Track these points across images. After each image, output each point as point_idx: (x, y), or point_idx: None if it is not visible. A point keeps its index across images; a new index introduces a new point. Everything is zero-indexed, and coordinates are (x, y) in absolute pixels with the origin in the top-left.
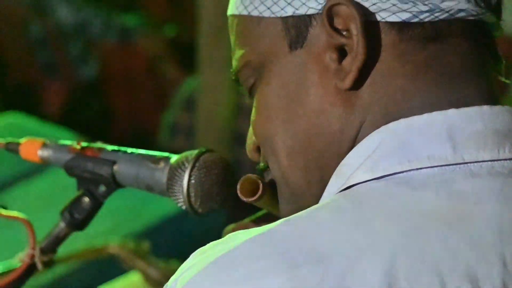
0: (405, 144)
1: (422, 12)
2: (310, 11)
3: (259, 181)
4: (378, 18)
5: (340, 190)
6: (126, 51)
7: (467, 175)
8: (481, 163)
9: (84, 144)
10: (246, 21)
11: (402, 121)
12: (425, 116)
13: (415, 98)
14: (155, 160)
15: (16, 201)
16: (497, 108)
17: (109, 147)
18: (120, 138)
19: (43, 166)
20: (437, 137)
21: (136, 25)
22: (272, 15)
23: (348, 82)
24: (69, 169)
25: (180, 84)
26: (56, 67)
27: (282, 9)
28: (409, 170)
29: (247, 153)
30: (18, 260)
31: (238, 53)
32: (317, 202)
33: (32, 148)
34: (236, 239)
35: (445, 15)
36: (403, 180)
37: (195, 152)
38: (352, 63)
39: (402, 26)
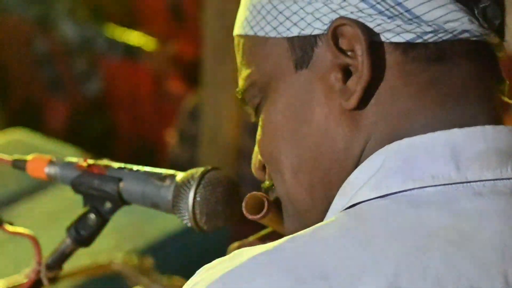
0: (409, 163)
1: (426, 32)
2: (316, 32)
3: (265, 199)
4: (383, 39)
5: (344, 208)
6: (130, 68)
7: (470, 194)
8: (484, 182)
9: (90, 161)
10: (252, 41)
11: (406, 140)
12: (429, 135)
13: (419, 117)
14: (161, 177)
15: (21, 217)
16: (499, 128)
17: (115, 165)
18: (123, 155)
19: (47, 183)
20: (441, 156)
21: (140, 42)
22: (278, 36)
23: (353, 102)
24: (76, 186)
25: (183, 101)
26: (60, 84)
27: (288, 29)
28: (413, 189)
29: (253, 171)
30: (24, 276)
31: (244, 73)
32: (322, 220)
33: (39, 165)
34: (241, 256)
35: (449, 36)
36: (407, 198)
37: (200, 170)
38: (357, 83)
39: (406, 47)
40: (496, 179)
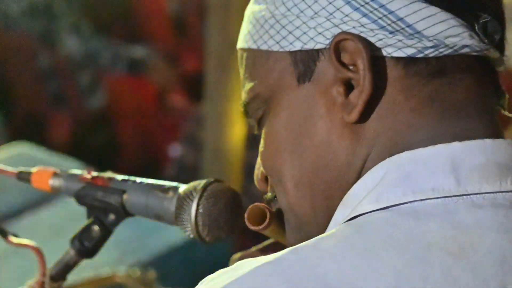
0: (409, 175)
1: (427, 47)
2: (318, 46)
3: (267, 210)
4: (384, 53)
5: (346, 220)
6: (133, 82)
7: (470, 206)
8: (483, 194)
9: (94, 173)
10: (256, 55)
11: (407, 153)
12: (429, 148)
13: (419, 131)
14: (164, 189)
15: (26, 230)
16: (499, 141)
17: (119, 177)
18: (127, 169)
19: (51, 196)
20: (441, 169)
21: (144, 56)
22: (281, 49)
23: (354, 115)
24: (80, 198)
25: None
26: (64, 98)
27: (290, 43)
28: (413, 201)
29: (255, 183)
30: (28, 287)
31: (247, 86)
32: (323, 231)
33: (44, 178)
34: (244, 267)
35: (450, 50)
36: (407, 210)
37: (203, 182)
38: (359, 97)
39: (407, 61)
40: (496, 192)
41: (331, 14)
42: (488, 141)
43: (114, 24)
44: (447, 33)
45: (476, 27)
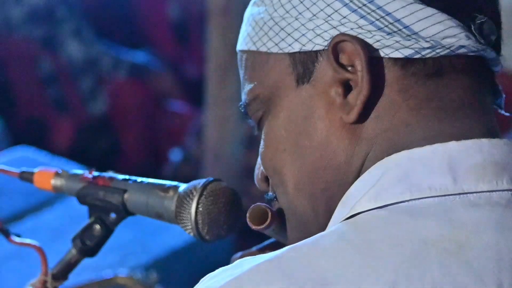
0: (407, 174)
1: (424, 48)
2: (317, 47)
3: (268, 210)
4: (382, 54)
5: (344, 218)
6: (135, 88)
7: (467, 205)
8: (480, 193)
9: (95, 173)
10: (255, 56)
11: (405, 153)
12: (427, 148)
13: (417, 130)
14: (164, 189)
15: (27, 232)
16: (495, 140)
17: (120, 176)
18: (128, 173)
19: (53, 198)
20: (438, 168)
21: (145, 61)
22: (280, 51)
23: (353, 115)
24: (81, 198)
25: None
26: (66, 103)
27: (289, 45)
28: (411, 200)
29: (256, 183)
30: (31, 286)
31: (247, 87)
32: (323, 230)
33: (46, 177)
34: (244, 264)
35: (446, 51)
36: (405, 209)
37: (203, 181)
38: (357, 98)
39: (405, 62)
40: (492, 191)
41: (329, 16)
42: (484, 140)
43: (116, 30)
44: (444, 34)
45: (473, 28)
